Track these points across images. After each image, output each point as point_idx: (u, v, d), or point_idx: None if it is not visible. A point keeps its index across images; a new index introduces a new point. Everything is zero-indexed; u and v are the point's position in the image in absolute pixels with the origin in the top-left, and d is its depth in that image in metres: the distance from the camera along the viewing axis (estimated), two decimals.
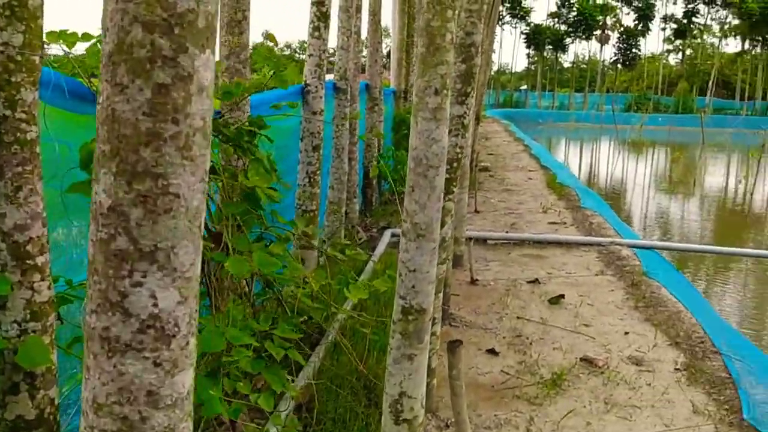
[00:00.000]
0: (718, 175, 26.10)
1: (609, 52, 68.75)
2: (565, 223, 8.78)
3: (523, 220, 9.03)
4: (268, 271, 2.77)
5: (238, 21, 3.95)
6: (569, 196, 10.96)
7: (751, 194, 18.50)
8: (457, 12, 2.77)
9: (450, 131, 3.33)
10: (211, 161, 1.97)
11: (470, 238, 6.55)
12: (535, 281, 5.93)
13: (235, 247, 2.72)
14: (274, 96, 4.17)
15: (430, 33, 2.48)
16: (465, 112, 3.54)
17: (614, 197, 18.69)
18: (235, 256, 2.65)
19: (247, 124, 3.18)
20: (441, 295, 3.47)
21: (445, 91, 2.51)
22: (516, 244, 7.43)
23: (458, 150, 3.46)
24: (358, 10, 7.13)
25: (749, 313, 6.66)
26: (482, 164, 15.65)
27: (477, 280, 5.88)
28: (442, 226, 2.99)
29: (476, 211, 9.47)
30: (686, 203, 19.00)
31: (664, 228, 13.47)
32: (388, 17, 37.68)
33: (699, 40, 73.70)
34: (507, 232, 8.12)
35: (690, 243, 9.17)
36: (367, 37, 8.85)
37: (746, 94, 67.02)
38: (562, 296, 5.41)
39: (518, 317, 5.02)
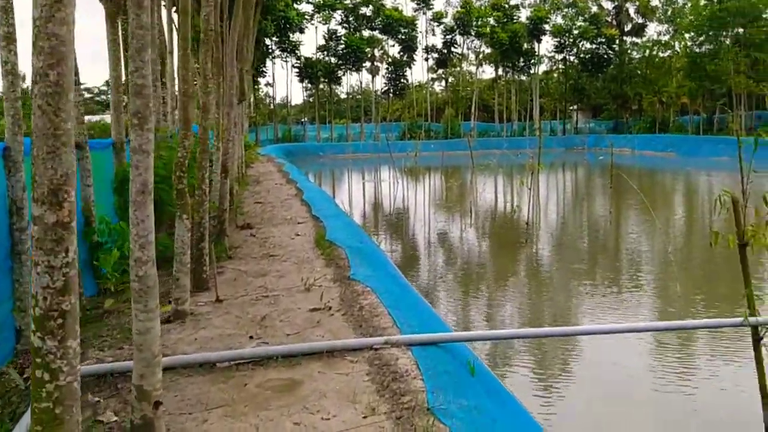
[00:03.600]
0: (493, 199, 26.58)
1: (380, 83, 70.28)
2: (330, 307, 6.79)
3: (279, 308, 6.90)
4: None
5: None
6: (339, 259, 9.08)
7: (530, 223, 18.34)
8: None
9: None
10: None
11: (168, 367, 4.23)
12: None
13: None
14: None
15: None
16: None
17: (397, 239, 17.60)
18: None
19: None
20: None
21: None
22: (257, 363, 5.24)
23: None
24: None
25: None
26: (245, 219, 13.38)
27: None
28: None
29: (218, 301, 7.16)
30: (467, 231, 18.51)
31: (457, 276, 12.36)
32: None
33: (459, 69, 78.56)
34: (251, 336, 5.92)
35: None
36: None
37: (504, 117, 72.41)
38: None
39: None
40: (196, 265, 7.78)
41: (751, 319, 5.97)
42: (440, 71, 79.22)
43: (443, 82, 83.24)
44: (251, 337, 5.90)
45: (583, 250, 16.04)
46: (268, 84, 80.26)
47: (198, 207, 8.06)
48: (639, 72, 66.32)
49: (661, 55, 65.41)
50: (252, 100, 58.06)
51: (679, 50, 63.20)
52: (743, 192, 6.26)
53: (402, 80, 70.43)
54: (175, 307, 6.63)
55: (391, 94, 71.82)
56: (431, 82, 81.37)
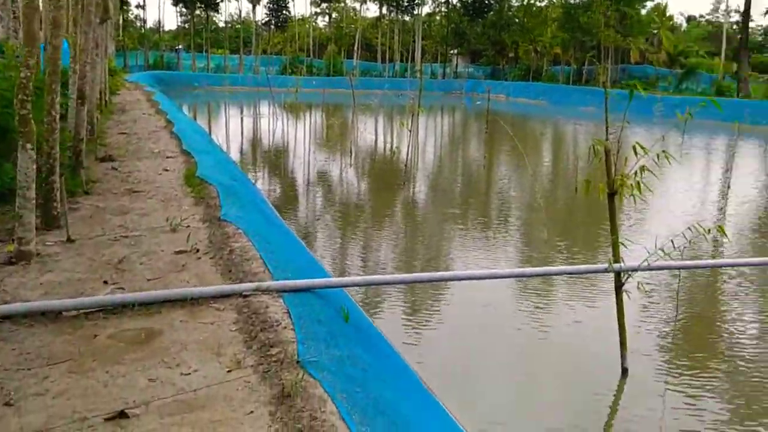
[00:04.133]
0: (375, 143, 26.41)
1: (261, 13, 67.34)
2: (197, 250, 6.34)
3: (140, 250, 6.35)
4: None
5: None
6: (210, 198, 8.54)
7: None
8: None
9: None
10: None
11: None
12: (121, 416, 3.40)
13: None
14: None
15: None
16: None
17: (275, 177, 17.05)
18: None
19: None
20: None
21: None
22: (111, 312, 4.76)
23: None
24: None
25: None
26: (106, 151, 12.35)
27: None
28: None
29: (69, 240, 6.49)
30: (347, 171, 18.25)
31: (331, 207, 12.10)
32: None
33: (343, 4, 76.85)
34: (106, 282, 5.39)
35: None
36: None
37: (387, 57, 72.04)
38: None
39: None
40: (45, 201, 7.00)
41: (615, 266, 6.20)
42: (324, 5, 77.16)
43: (327, 18, 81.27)
44: (105, 282, 5.36)
45: (459, 194, 16.33)
46: (138, 6, 74.82)
47: (48, 136, 7.21)
48: (517, 20, 67.88)
49: (538, 4, 67.21)
50: (120, 21, 53.81)
51: (555, 1, 65.16)
52: (606, 139, 6.37)
53: (284, 12, 68.03)
54: (18, 247, 5.92)
55: (272, 26, 69.24)
56: (314, 17, 79.23)
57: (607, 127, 6.65)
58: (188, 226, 7.17)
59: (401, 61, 73.06)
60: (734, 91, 47.01)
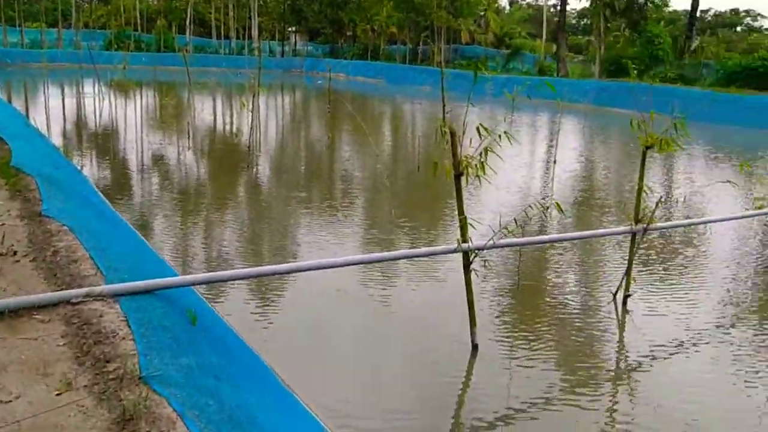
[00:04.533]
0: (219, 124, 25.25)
1: None
2: (15, 252, 5.59)
3: None
4: None
5: None
6: (27, 191, 7.62)
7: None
8: None
9: None
10: None
11: None
12: None
13: None
14: None
15: None
16: None
17: (104, 164, 15.71)
18: None
19: None
20: None
21: None
22: None
23: None
24: None
25: None
26: None
27: None
28: None
29: None
30: (186, 154, 17.22)
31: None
32: None
33: None
34: None
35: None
36: None
37: (222, 33, 69.45)
38: None
39: None
40: None
41: (464, 246, 6.32)
42: None
43: None
44: None
45: (304, 176, 16.09)
46: None
47: None
48: None
49: None
50: None
51: None
52: (443, 117, 6.44)
53: None
54: None
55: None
56: None
57: (444, 106, 6.73)
58: (2, 225, 6.33)
59: (237, 38, 70.78)
60: (555, 70, 50.69)
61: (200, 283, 5.86)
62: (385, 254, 6.83)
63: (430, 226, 11.41)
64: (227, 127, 25.37)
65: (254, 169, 15.88)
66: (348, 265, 6.54)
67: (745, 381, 6.17)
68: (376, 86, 52.11)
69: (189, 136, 20.07)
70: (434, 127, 6.26)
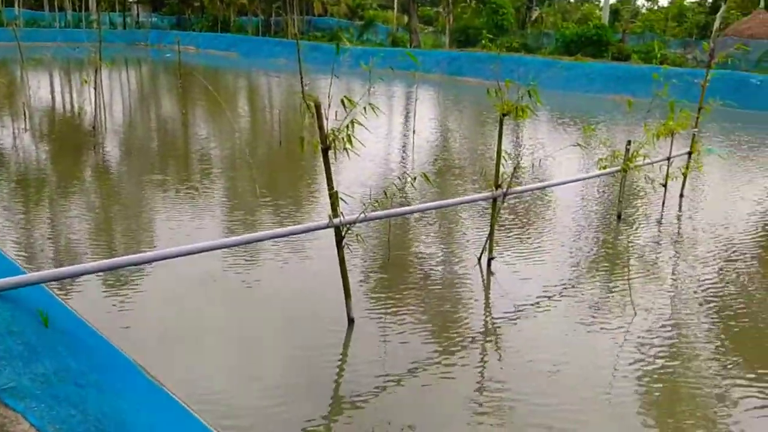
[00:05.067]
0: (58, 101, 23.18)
1: None
2: None
3: None
4: None
5: None
6: None
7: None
8: None
9: None
10: None
11: None
12: None
13: None
14: None
15: None
16: None
17: None
18: None
19: None
20: None
21: None
22: None
23: None
24: None
25: None
26: None
27: None
28: None
29: None
30: (23, 137, 15.60)
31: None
32: None
33: None
34: None
35: None
36: None
37: (56, 5, 63.95)
38: None
39: None
40: None
41: (335, 221, 6.25)
42: None
43: None
44: None
45: (158, 156, 15.25)
46: None
47: None
48: None
49: None
50: None
51: None
52: (302, 90, 6.30)
53: None
54: None
55: None
56: None
57: (302, 78, 6.58)
58: None
59: (73, 10, 65.44)
60: (407, 41, 51.55)
61: (50, 279, 5.34)
62: (253, 235, 6.59)
63: (297, 204, 11.23)
64: (68, 106, 23.46)
65: (101, 151, 14.81)
66: (212, 249, 6.23)
67: (588, 332, 6.67)
68: (229, 59, 50.39)
69: (25, 117, 18.31)
70: (293, 100, 6.06)
